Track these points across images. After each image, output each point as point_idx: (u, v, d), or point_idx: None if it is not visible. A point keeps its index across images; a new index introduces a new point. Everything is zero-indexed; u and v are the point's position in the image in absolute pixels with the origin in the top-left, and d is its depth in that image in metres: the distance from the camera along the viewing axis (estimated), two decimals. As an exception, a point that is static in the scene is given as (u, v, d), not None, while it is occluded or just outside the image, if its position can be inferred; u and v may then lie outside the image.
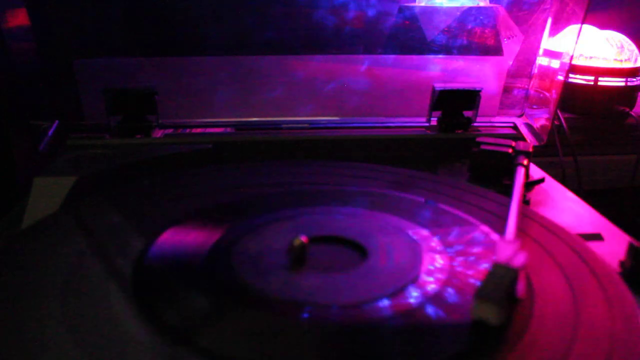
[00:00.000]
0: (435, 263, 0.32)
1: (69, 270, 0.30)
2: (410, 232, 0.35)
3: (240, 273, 0.30)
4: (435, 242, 0.34)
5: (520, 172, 0.43)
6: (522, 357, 0.25)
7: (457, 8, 0.63)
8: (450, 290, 0.29)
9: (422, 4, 0.64)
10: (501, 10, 0.64)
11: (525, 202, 0.44)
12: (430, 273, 0.31)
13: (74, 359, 0.24)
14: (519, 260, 0.27)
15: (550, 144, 0.62)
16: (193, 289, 0.29)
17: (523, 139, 0.57)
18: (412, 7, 0.64)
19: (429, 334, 0.26)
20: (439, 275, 0.30)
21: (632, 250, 0.34)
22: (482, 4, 0.64)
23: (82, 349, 0.24)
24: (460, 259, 0.32)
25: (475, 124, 0.58)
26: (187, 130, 0.57)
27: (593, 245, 0.35)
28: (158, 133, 0.55)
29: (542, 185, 0.48)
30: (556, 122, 0.71)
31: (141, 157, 0.48)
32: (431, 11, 0.63)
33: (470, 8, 0.63)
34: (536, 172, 0.51)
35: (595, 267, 0.31)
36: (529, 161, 0.47)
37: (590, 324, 0.26)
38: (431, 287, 0.29)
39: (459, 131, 0.57)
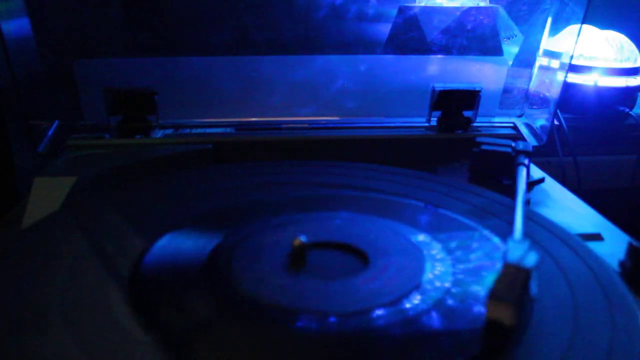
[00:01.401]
0: (437, 270, 0.32)
1: (69, 271, 0.30)
2: (411, 238, 0.35)
3: (238, 279, 0.30)
4: (436, 248, 0.34)
5: (522, 171, 0.43)
6: (522, 357, 0.25)
7: (457, 8, 0.63)
8: (453, 296, 0.29)
9: (422, 4, 0.64)
10: (501, 10, 0.64)
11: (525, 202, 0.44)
12: (432, 280, 0.30)
13: (74, 359, 0.24)
14: (530, 260, 0.27)
15: (550, 144, 0.62)
16: (191, 295, 0.29)
17: (523, 139, 0.57)
18: (412, 7, 0.64)
19: (432, 342, 0.26)
20: (441, 282, 0.30)
21: (632, 250, 0.34)
22: (482, 4, 0.64)
23: (82, 349, 0.24)
24: (462, 263, 0.32)
25: (475, 124, 0.58)
26: (187, 130, 0.57)
27: (593, 245, 0.35)
28: (158, 133, 0.55)
29: (542, 185, 0.48)
30: (556, 122, 0.71)
31: (141, 157, 0.48)
32: (431, 11, 0.63)
33: (470, 8, 0.63)
34: (536, 172, 0.51)
35: (595, 267, 0.31)
36: (529, 161, 0.47)
37: (590, 324, 0.26)
38: (434, 293, 0.29)
39: (459, 131, 0.57)
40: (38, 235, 0.35)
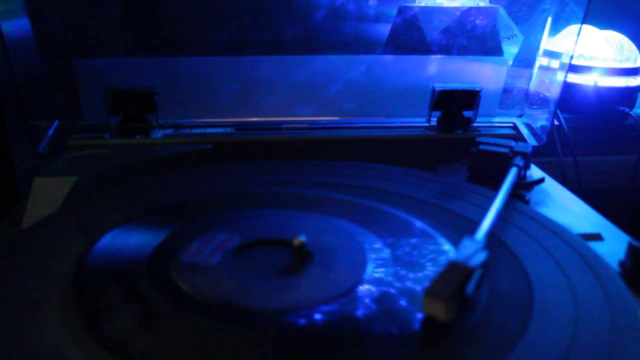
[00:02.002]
0: (380, 268, 0.31)
1: (69, 271, 0.30)
2: (358, 237, 0.35)
3: (177, 277, 0.30)
4: (379, 246, 0.34)
5: (512, 173, 0.43)
6: (522, 357, 0.25)
7: (457, 8, 0.63)
8: (399, 292, 0.29)
9: (422, 4, 0.64)
10: (501, 10, 0.64)
11: (525, 202, 0.44)
12: (375, 277, 0.30)
13: (74, 359, 0.24)
14: (477, 260, 0.28)
15: (550, 144, 0.62)
16: (132, 294, 0.29)
17: (523, 139, 0.57)
18: (412, 7, 0.64)
19: (368, 339, 0.26)
20: (385, 278, 0.30)
21: (632, 250, 0.34)
22: (482, 4, 0.64)
23: (82, 349, 0.24)
24: (406, 260, 0.32)
25: (475, 124, 0.58)
26: (187, 130, 0.57)
27: (593, 245, 0.35)
28: (158, 133, 0.55)
29: (542, 185, 0.48)
30: (556, 122, 0.71)
31: (141, 157, 0.48)
32: (431, 11, 0.63)
33: (470, 8, 0.63)
34: (536, 172, 0.51)
35: (595, 267, 0.31)
36: (528, 161, 0.47)
37: (590, 324, 0.26)
38: (376, 290, 0.29)
39: (459, 131, 0.57)
40: (38, 235, 0.35)
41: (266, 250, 0.33)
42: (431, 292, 0.26)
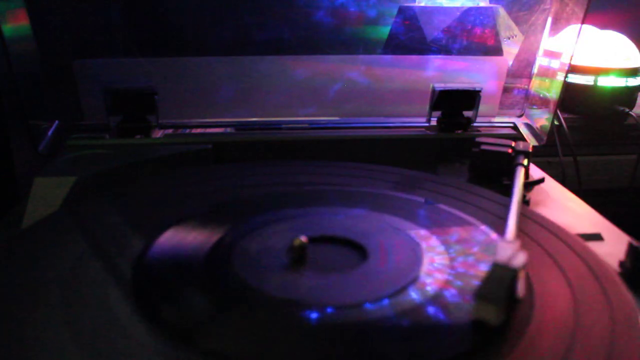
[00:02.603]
0: (435, 263, 0.32)
1: (69, 270, 0.30)
2: (410, 233, 0.35)
3: (239, 273, 0.30)
4: (435, 243, 0.34)
5: (520, 172, 0.43)
6: (522, 357, 0.25)
7: (457, 8, 0.63)
8: (450, 290, 0.29)
9: (422, 4, 0.64)
10: (501, 10, 0.64)
11: (525, 202, 0.44)
12: (430, 274, 0.31)
13: (74, 359, 0.24)
14: (519, 260, 0.28)
15: (550, 144, 0.62)
16: (193, 289, 0.29)
17: (523, 139, 0.57)
18: (412, 7, 0.64)
19: (429, 335, 0.26)
20: (439, 276, 0.30)
21: (632, 250, 0.34)
22: (482, 4, 0.64)
23: (82, 349, 0.24)
24: (460, 259, 0.32)
25: (475, 124, 0.58)
26: (187, 130, 0.57)
27: (593, 245, 0.35)
28: (158, 133, 0.55)
29: (542, 185, 0.48)
30: (556, 122, 0.71)
31: (141, 157, 0.48)
32: (431, 11, 0.63)
33: (470, 8, 0.63)
34: (536, 172, 0.51)
35: (595, 267, 0.31)
36: (529, 161, 0.47)
37: (590, 324, 0.26)
38: (431, 287, 0.29)
39: (459, 131, 0.57)
40: (38, 235, 0.35)
41: (327, 248, 0.34)
42: (482, 296, 0.25)
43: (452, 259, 0.32)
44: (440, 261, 0.32)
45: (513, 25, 0.64)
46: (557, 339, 0.25)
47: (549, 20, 0.59)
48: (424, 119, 0.59)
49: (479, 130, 0.58)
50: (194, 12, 0.60)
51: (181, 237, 0.34)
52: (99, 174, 0.45)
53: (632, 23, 0.85)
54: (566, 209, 0.45)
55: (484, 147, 0.47)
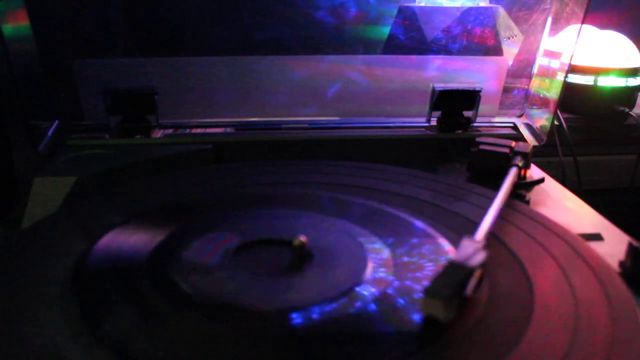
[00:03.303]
0: (381, 267, 0.31)
1: (69, 271, 0.30)
2: (358, 237, 0.35)
3: (174, 277, 0.30)
4: (380, 246, 0.34)
5: (512, 173, 0.43)
6: (523, 357, 0.25)
7: (457, 8, 0.63)
8: (398, 291, 0.29)
9: (422, 4, 0.64)
10: (501, 10, 0.64)
11: (525, 202, 0.44)
12: (375, 276, 0.30)
13: (74, 359, 0.24)
14: (476, 259, 0.28)
15: (550, 144, 0.62)
16: (132, 293, 0.29)
17: (523, 139, 0.57)
18: (412, 7, 0.64)
19: (371, 338, 0.26)
20: (385, 277, 0.30)
21: (632, 250, 0.34)
22: (482, 4, 0.64)
23: (82, 349, 0.24)
24: (408, 262, 0.32)
25: (475, 124, 0.58)
26: (187, 130, 0.57)
27: (593, 245, 0.35)
28: (158, 133, 0.55)
29: (542, 185, 0.48)
30: (556, 122, 0.71)
31: (141, 157, 0.48)
32: (431, 11, 0.63)
33: (470, 8, 0.63)
34: (536, 172, 0.51)
35: (595, 267, 0.31)
36: (528, 161, 0.47)
37: (590, 324, 0.26)
38: (376, 289, 0.29)
39: (459, 131, 0.57)
40: (38, 235, 0.35)
41: (266, 250, 0.33)
42: (430, 292, 0.26)
43: (399, 264, 0.32)
44: (387, 264, 0.32)
45: (513, 25, 0.64)
46: (557, 339, 0.25)
47: (549, 20, 0.59)
48: (424, 119, 0.59)
49: (479, 130, 0.58)
50: (194, 12, 0.60)
51: (124, 239, 0.34)
52: (99, 174, 0.45)
53: (632, 23, 0.85)
54: (566, 209, 0.45)
55: (482, 147, 0.47)
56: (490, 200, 0.38)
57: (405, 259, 0.32)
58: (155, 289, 0.29)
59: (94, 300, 0.28)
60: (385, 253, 0.33)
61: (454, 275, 0.27)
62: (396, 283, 0.30)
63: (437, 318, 0.26)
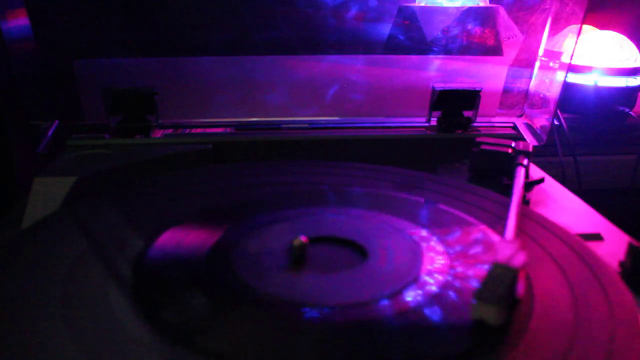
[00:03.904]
0: (435, 264, 0.32)
1: (69, 271, 0.30)
2: (409, 233, 0.35)
3: (239, 273, 0.30)
4: (434, 243, 0.34)
5: (520, 172, 0.43)
6: (522, 357, 0.25)
7: (457, 8, 0.63)
8: (450, 290, 0.29)
9: (422, 4, 0.64)
10: (501, 10, 0.64)
11: (525, 202, 0.44)
12: (430, 274, 0.31)
13: (74, 359, 0.24)
14: (519, 260, 0.28)
15: (550, 144, 0.62)
16: (193, 289, 0.29)
17: (523, 139, 0.57)
18: (412, 7, 0.64)
19: (429, 335, 0.26)
20: (439, 276, 0.30)
21: (632, 250, 0.34)
22: (482, 4, 0.64)
23: (82, 349, 0.24)
24: (460, 259, 0.32)
25: (475, 124, 0.58)
26: (187, 130, 0.57)
27: (593, 245, 0.35)
28: (158, 133, 0.55)
29: (542, 185, 0.48)
30: (556, 122, 0.71)
31: (141, 157, 0.48)
32: (431, 11, 0.63)
33: (470, 8, 0.63)
34: (536, 172, 0.51)
35: (595, 267, 0.31)
36: (529, 161, 0.47)
37: (590, 324, 0.26)
38: (431, 287, 0.29)
39: (459, 131, 0.57)
40: (38, 235, 0.35)
41: (329, 248, 0.34)
42: (480, 296, 0.25)
43: (451, 259, 0.32)
44: (440, 261, 0.32)
45: (513, 25, 0.64)
46: (557, 339, 0.25)
47: (549, 20, 0.59)
48: (424, 119, 0.59)
49: (479, 130, 0.58)
50: (194, 12, 0.60)
51: (181, 237, 0.34)
52: (99, 174, 0.45)
53: (632, 23, 0.85)
54: (566, 209, 0.45)
55: (483, 147, 0.47)
56: (495, 202, 0.38)
57: (458, 258, 0.32)
58: (218, 286, 0.29)
59: (157, 297, 0.28)
60: (439, 251, 0.33)
61: (502, 278, 0.26)
62: (451, 281, 0.30)
63: (489, 322, 0.25)
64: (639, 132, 0.76)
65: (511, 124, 0.60)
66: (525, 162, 0.45)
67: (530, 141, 0.57)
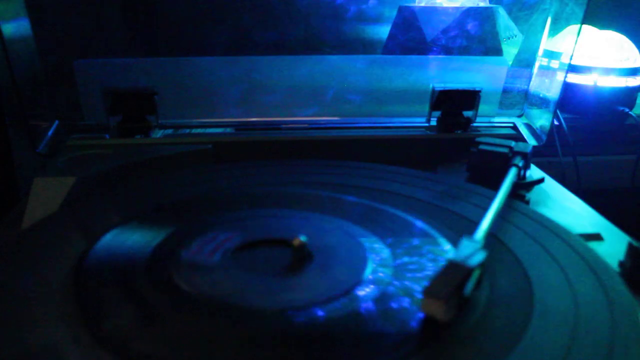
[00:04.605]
0: (382, 267, 0.31)
1: (69, 271, 0.30)
2: (359, 238, 0.35)
3: (176, 275, 0.30)
4: (381, 246, 0.34)
5: (512, 173, 0.43)
6: (522, 357, 0.25)
7: (457, 8, 0.63)
8: (398, 292, 0.29)
9: (422, 4, 0.64)
10: (501, 10, 0.64)
11: (525, 202, 0.44)
12: (376, 276, 0.30)
13: (74, 359, 0.24)
14: (476, 259, 0.28)
15: (550, 144, 0.62)
16: (132, 293, 0.29)
17: (522, 139, 0.57)
18: (412, 7, 0.64)
19: (368, 338, 0.26)
20: (385, 278, 0.30)
21: (632, 250, 0.34)
22: (482, 4, 0.64)
23: (82, 349, 0.24)
24: (408, 264, 0.32)
25: (475, 124, 0.58)
26: (187, 130, 0.57)
27: (593, 245, 0.35)
28: (158, 133, 0.55)
29: (542, 185, 0.48)
30: (556, 122, 0.71)
31: (141, 157, 0.48)
32: (431, 11, 0.63)
33: (470, 8, 0.63)
34: (536, 172, 0.51)
35: (595, 267, 0.31)
36: (528, 161, 0.47)
37: (590, 324, 0.26)
38: (374, 290, 0.29)
39: (459, 131, 0.57)
40: (38, 235, 0.35)
41: (266, 250, 0.33)
42: (429, 291, 0.26)
43: (399, 264, 0.32)
44: (386, 264, 0.32)
45: (513, 25, 0.64)
46: (557, 339, 0.25)
47: (549, 20, 0.59)
48: (424, 119, 0.59)
49: (478, 130, 0.58)
50: (193, 12, 0.60)
51: (124, 238, 0.34)
52: (99, 174, 0.45)
53: (632, 23, 0.85)
54: (566, 209, 0.45)
55: (482, 147, 0.47)
56: (490, 200, 0.38)
57: (405, 258, 0.32)
58: (155, 288, 0.29)
59: (93, 301, 0.28)
60: (385, 253, 0.33)
61: (453, 275, 0.27)
62: (396, 283, 0.30)
63: (436, 318, 0.26)
64: (639, 132, 0.76)
65: (511, 124, 0.60)
66: (520, 163, 0.45)
67: (530, 141, 0.57)
